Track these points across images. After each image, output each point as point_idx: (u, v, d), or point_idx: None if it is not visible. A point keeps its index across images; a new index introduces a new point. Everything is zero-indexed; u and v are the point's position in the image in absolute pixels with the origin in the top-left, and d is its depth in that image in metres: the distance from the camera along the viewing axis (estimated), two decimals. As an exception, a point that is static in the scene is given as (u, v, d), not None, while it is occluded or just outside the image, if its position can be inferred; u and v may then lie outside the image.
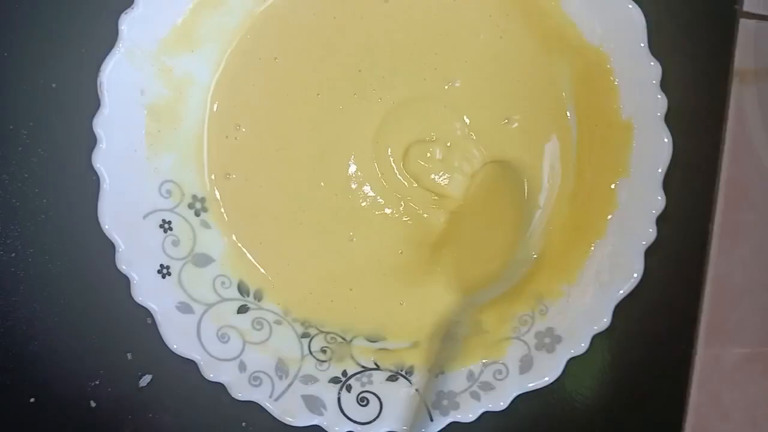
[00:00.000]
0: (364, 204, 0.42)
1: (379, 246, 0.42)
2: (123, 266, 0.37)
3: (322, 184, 0.42)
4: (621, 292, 0.39)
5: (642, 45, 0.38)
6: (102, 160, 0.37)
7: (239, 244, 0.42)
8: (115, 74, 0.37)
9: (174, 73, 0.39)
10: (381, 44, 0.41)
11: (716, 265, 0.44)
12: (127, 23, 0.37)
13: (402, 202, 0.42)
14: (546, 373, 0.39)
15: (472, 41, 0.41)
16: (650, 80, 0.38)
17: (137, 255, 0.37)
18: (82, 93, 0.38)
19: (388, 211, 0.42)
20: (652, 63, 0.38)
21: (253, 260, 0.42)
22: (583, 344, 0.39)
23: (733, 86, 0.44)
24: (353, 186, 0.42)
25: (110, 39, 0.37)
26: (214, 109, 0.41)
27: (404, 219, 0.42)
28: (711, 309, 0.44)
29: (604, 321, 0.39)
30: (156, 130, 0.39)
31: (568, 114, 0.42)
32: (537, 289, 0.41)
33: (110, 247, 0.37)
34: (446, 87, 0.41)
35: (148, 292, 0.37)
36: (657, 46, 0.38)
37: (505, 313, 0.42)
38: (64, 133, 0.41)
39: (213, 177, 0.41)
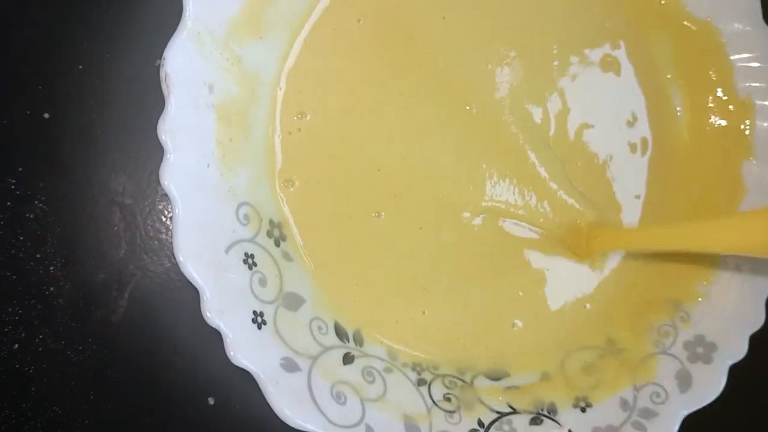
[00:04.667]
0: (462, 203, 0.35)
1: (482, 261, 0.35)
2: (213, 317, 0.27)
3: (408, 177, 0.34)
4: (769, 283, 0.34)
5: (757, 14, 0.35)
6: (171, 178, 0.27)
7: (321, 278, 0.33)
8: (182, 63, 0.28)
9: (243, 65, 0.31)
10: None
11: None
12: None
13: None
14: (710, 386, 0.34)
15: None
16: (766, 53, 0.35)
17: (226, 301, 0.28)
18: (121, 88, 0.30)
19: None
20: (765, 35, 0.35)
21: (341, 294, 0.33)
22: (741, 349, 0.34)
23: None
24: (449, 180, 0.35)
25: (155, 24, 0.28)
26: (279, 105, 0.33)
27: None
28: None
29: (759, 318, 0.34)
30: (227, 139, 0.30)
31: (674, 99, 0.38)
32: (670, 294, 0.36)
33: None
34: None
35: (246, 348, 0.28)
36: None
37: (639, 325, 0.36)
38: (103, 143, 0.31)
39: (278, 190, 0.33)
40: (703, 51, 0.36)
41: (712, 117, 0.37)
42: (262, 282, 0.30)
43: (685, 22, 0.36)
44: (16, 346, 0.34)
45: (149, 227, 0.34)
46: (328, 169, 0.33)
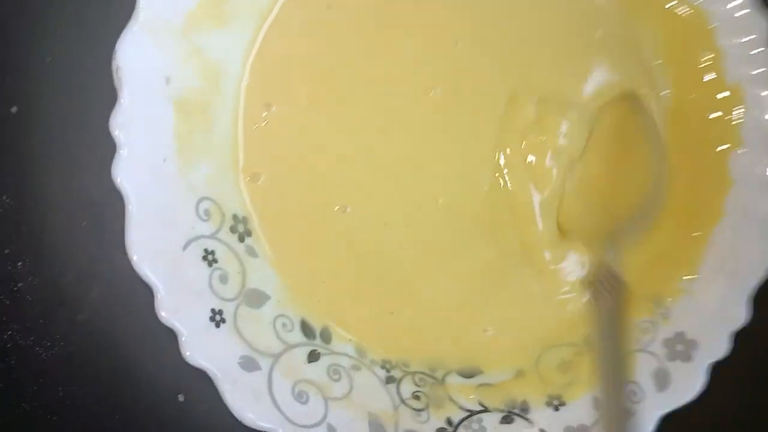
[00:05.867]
0: (436, 188, 0.34)
1: (464, 257, 0.34)
2: (166, 316, 0.27)
3: (374, 169, 0.33)
4: (754, 280, 0.33)
5: (747, -1, 0.34)
6: (124, 173, 0.27)
7: (287, 275, 0.32)
8: (135, 55, 0.27)
9: (204, 56, 0.30)
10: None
11: None
12: (145, -10, 0.27)
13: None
14: (688, 385, 0.33)
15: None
16: (760, 38, 0.34)
17: (182, 299, 0.28)
18: (90, 82, 0.28)
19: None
20: (760, 19, 0.33)
21: (308, 291, 0.33)
22: (722, 347, 0.33)
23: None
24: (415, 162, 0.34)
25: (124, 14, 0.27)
26: (243, 95, 0.32)
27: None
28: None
29: (741, 316, 0.33)
30: (187, 132, 0.29)
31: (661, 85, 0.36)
32: (652, 290, 0.35)
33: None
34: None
35: (202, 347, 0.28)
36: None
37: (619, 322, 0.35)
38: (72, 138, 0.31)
39: (243, 184, 0.32)
40: (693, 36, 0.35)
41: (700, 105, 0.35)
42: (223, 279, 0.29)
43: (674, 5, 0.35)
44: (-15, 342, 0.33)
45: (116, 224, 0.34)
46: (295, 161, 0.32)
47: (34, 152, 0.34)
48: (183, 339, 0.27)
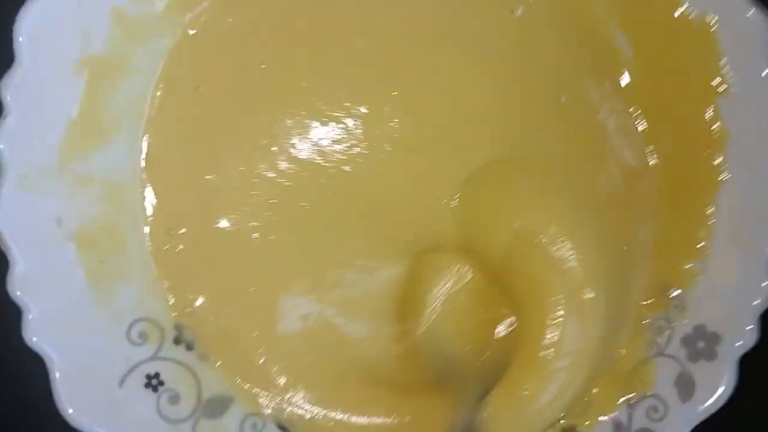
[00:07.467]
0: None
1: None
2: (115, 461, 0.26)
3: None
4: (777, 246, 0.28)
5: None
6: (39, 334, 0.26)
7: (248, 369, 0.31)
8: (14, 213, 0.26)
9: (96, 180, 0.29)
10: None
11: None
12: (4, 142, 0.26)
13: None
14: (715, 388, 0.28)
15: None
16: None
17: (130, 438, 0.27)
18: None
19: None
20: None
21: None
22: (750, 332, 0.28)
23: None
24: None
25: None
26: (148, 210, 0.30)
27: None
28: None
29: (765, 289, 0.28)
30: (97, 262, 0.28)
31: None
32: (659, 280, 0.30)
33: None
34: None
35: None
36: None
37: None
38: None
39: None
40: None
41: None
42: (173, 400, 0.28)
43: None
44: None
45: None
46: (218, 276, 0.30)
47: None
48: (138, 480, 0.26)
